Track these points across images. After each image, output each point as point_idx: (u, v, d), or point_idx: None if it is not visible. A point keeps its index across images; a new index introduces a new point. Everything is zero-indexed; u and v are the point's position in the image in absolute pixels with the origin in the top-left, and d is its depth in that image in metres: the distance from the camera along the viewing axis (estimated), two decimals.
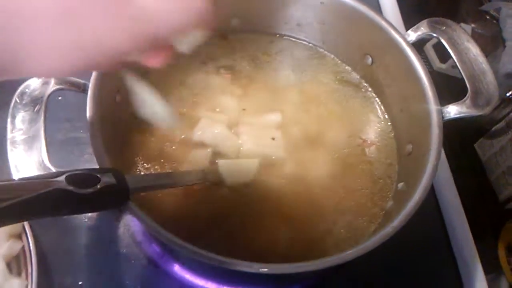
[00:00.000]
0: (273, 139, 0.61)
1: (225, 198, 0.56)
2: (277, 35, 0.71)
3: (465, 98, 0.55)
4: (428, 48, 0.94)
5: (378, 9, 0.92)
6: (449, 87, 0.68)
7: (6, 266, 0.53)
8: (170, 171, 0.58)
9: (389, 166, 0.61)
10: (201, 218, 0.55)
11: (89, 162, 0.46)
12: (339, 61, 0.70)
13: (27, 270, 0.54)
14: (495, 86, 0.55)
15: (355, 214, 0.57)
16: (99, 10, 0.31)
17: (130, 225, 0.63)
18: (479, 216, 0.78)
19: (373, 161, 0.62)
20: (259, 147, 0.60)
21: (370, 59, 0.65)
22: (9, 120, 0.47)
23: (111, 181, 0.40)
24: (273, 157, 0.60)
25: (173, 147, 0.59)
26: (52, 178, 0.37)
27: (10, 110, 0.48)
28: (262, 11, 0.67)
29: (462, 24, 0.95)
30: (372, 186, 0.59)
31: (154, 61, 0.38)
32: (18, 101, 0.48)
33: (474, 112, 0.54)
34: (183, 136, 0.60)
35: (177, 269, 0.60)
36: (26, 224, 0.55)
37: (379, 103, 0.66)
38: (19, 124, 0.47)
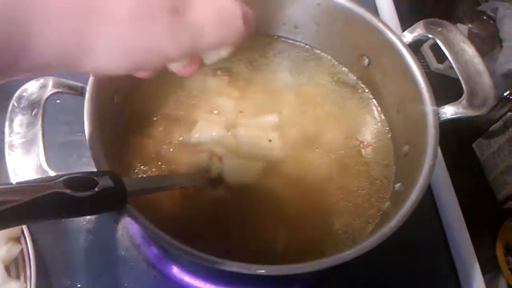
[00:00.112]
0: (270, 140, 0.61)
1: (222, 199, 0.56)
2: (275, 37, 0.71)
3: (461, 99, 0.55)
4: (425, 48, 0.95)
5: (374, 10, 0.92)
6: (447, 88, 0.68)
7: (5, 269, 0.53)
8: (167, 173, 0.58)
9: (386, 167, 0.61)
10: (199, 220, 0.55)
11: (88, 165, 0.46)
12: (336, 63, 0.70)
13: (25, 273, 0.54)
14: (491, 87, 0.55)
15: (352, 215, 0.57)
16: (165, 19, 0.33)
17: (129, 227, 0.63)
18: (477, 216, 0.78)
19: (370, 162, 0.62)
20: (257, 149, 0.60)
21: (367, 60, 0.65)
22: (7, 123, 0.47)
23: (109, 184, 0.40)
24: (270, 159, 0.60)
25: (171, 149, 0.59)
26: (49, 181, 0.37)
27: (8, 114, 0.48)
28: (259, 13, 0.66)
29: (459, 25, 0.95)
30: (369, 187, 0.60)
31: (185, 71, 0.42)
32: (16, 104, 0.48)
33: (470, 113, 0.54)
34: (180, 138, 0.60)
35: (175, 271, 0.60)
36: (24, 227, 0.55)
37: (376, 104, 0.66)
38: (17, 127, 0.47)
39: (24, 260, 0.54)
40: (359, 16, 0.62)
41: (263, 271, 0.44)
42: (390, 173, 0.61)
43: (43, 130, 0.48)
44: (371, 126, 0.65)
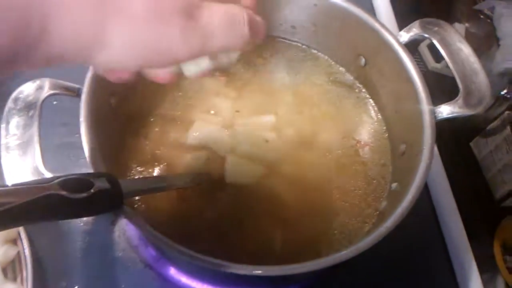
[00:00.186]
0: (267, 141, 0.61)
1: (219, 200, 0.56)
2: (272, 37, 0.71)
3: (457, 98, 0.55)
4: (423, 48, 0.95)
5: (371, 10, 0.92)
6: (444, 87, 0.68)
7: (2, 271, 0.53)
8: (164, 174, 0.58)
9: (383, 166, 0.61)
10: (196, 221, 0.55)
11: (85, 166, 0.46)
12: (332, 62, 0.70)
13: (22, 275, 0.54)
14: (487, 86, 0.55)
15: (349, 215, 0.57)
16: (178, 20, 0.34)
17: (126, 229, 0.63)
18: (474, 215, 0.78)
19: (367, 161, 0.62)
20: (254, 149, 0.60)
21: (364, 60, 0.65)
22: (3, 125, 0.47)
23: (105, 186, 0.40)
24: (267, 159, 0.60)
25: (168, 150, 0.59)
26: (45, 183, 0.37)
27: (4, 116, 0.48)
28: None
29: (456, 24, 0.95)
30: (366, 187, 0.60)
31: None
32: (12, 106, 0.48)
33: (466, 112, 0.54)
34: (177, 139, 0.60)
35: (173, 272, 0.60)
36: (21, 229, 0.55)
37: (373, 104, 0.67)
38: (13, 129, 0.47)
39: (21, 262, 0.54)
40: (355, 16, 0.62)
41: (259, 271, 0.44)
42: (387, 173, 0.61)
43: (39, 131, 0.48)
44: (368, 126, 0.65)
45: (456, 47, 0.58)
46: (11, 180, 0.45)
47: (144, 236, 0.57)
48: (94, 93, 0.51)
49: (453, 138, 0.90)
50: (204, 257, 0.43)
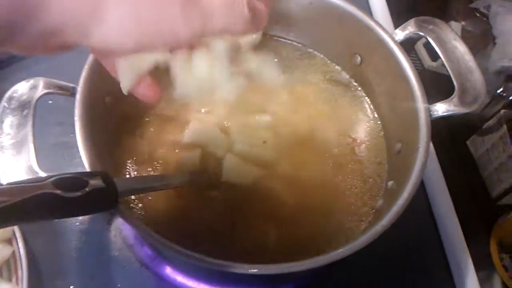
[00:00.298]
0: (264, 141, 0.61)
1: (215, 199, 0.56)
2: (267, 36, 0.71)
3: (452, 96, 0.55)
4: (419, 46, 0.95)
5: (367, 9, 0.92)
6: (440, 85, 0.68)
7: None
8: (160, 173, 0.58)
9: (379, 165, 0.61)
10: (192, 220, 0.55)
11: (80, 166, 0.46)
12: (328, 61, 0.70)
13: (17, 275, 0.54)
14: (482, 84, 0.55)
15: (345, 213, 0.58)
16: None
17: (122, 228, 0.63)
18: (471, 213, 0.78)
19: (363, 160, 0.62)
20: (250, 148, 0.60)
21: (359, 58, 0.65)
22: None
23: (100, 185, 0.40)
24: (263, 158, 0.60)
25: (164, 150, 0.59)
26: (39, 182, 0.37)
27: None
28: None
29: (452, 22, 0.95)
30: (362, 185, 0.60)
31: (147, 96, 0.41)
32: (6, 105, 0.48)
33: (461, 110, 0.54)
34: (173, 138, 0.60)
35: (169, 271, 0.60)
36: (16, 228, 0.55)
37: (369, 102, 0.67)
38: (7, 128, 0.47)
39: (16, 262, 0.54)
40: (351, 14, 0.62)
41: (255, 270, 0.44)
42: (383, 171, 0.61)
43: (33, 131, 0.48)
44: (364, 124, 0.65)
45: (451, 45, 0.58)
46: (5, 179, 0.45)
47: (140, 235, 0.57)
48: (89, 92, 0.51)
49: (450, 137, 0.90)
50: (200, 256, 0.43)
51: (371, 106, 0.66)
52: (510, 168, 0.78)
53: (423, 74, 0.59)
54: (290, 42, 0.71)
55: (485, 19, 0.94)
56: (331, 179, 0.60)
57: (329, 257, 0.46)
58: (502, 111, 0.82)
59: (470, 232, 0.71)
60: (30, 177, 0.45)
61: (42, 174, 0.45)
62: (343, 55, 0.68)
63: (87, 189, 0.39)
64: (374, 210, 0.58)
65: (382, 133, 0.64)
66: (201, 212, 0.55)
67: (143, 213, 0.55)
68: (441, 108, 0.55)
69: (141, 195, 0.55)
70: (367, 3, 0.93)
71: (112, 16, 0.31)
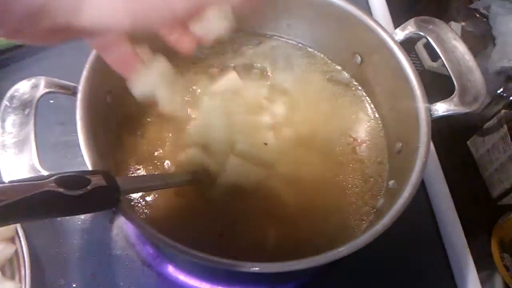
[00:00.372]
0: (265, 142, 0.61)
1: (216, 199, 0.56)
2: (267, 35, 0.71)
3: (452, 96, 0.55)
4: (419, 47, 0.95)
5: (367, 9, 0.92)
6: (440, 85, 0.68)
7: (0, 270, 0.53)
8: (162, 172, 0.58)
9: (380, 164, 0.62)
10: (193, 219, 0.55)
11: (82, 165, 0.46)
12: (329, 61, 0.70)
13: (20, 273, 0.54)
14: (482, 83, 0.55)
15: (346, 212, 0.58)
16: None
17: (124, 227, 0.63)
18: (471, 213, 0.78)
19: (364, 159, 0.62)
20: (252, 148, 0.60)
21: (359, 58, 0.65)
22: None
23: (101, 183, 0.41)
24: (265, 158, 0.60)
25: (165, 149, 0.59)
26: (42, 180, 0.37)
27: (0, 114, 0.48)
28: (251, 11, 0.68)
29: (452, 23, 0.95)
30: (363, 185, 0.60)
31: (181, 46, 0.42)
32: (8, 104, 0.48)
33: (461, 110, 0.54)
34: (174, 138, 0.60)
35: (170, 270, 0.60)
36: (19, 227, 0.55)
37: (369, 101, 0.67)
38: (9, 127, 0.47)
39: (18, 260, 0.54)
40: (351, 14, 0.62)
41: (256, 268, 0.44)
42: (384, 171, 0.61)
43: (35, 130, 0.48)
44: (364, 124, 0.65)
45: (451, 45, 0.58)
46: (7, 178, 0.45)
47: (142, 234, 0.57)
48: (91, 91, 0.52)
49: (450, 137, 0.90)
50: (202, 254, 0.43)
51: (372, 106, 0.66)
52: (511, 168, 0.78)
53: (423, 74, 0.59)
54: (290, 41, 0.71)
55: (485, 19, 0.94)
56: (332, 179, 0.60)
57: (330, 256, 0.46)
58: (503, 111, 0.82)
59: (471, 232, 0.71)
60: (32, 175, 0.45)
61: (44, 172, 0.45)
62: (343, 55, 0.68)
63: (89, 187, 0.39)
64: (375, 210, 0.58)
65: (383, 133, 0.64)
66: (202, 211, 0.56)
67: (144, 212, 0.55)
68: (441, 108, 0.55)
69: (143, 194, 0.55)
70: (367, 3, 0.93)
71: (102, 6, 0.31)
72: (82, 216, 0.63)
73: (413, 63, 0.58)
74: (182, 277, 0.60)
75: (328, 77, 0.69)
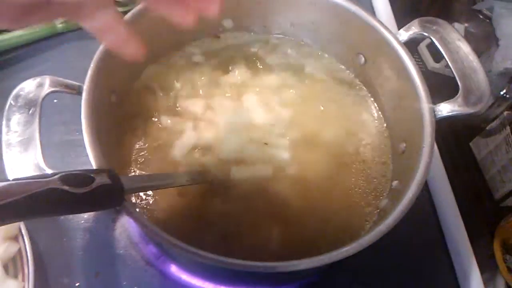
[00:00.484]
0: (266, 144, 0.61)
1: (220, 199, 0.56)
2: (271, 35, 0.71)
3: (457, 96, 0.55)
4: (422, 48, 0.95)
5: (370, 9, 0.92)
6: (443, 87, 0.68)
7: (3, 268, 0.53)
8: (165, 172, 0.58)
9: (383, 164, 0.61)
10: (196, 219, 0.55)
11: (85, 164, 0.46)
12: (333, 60, 0.70)
13: (23, 271, 0.54)
14: (487, 84, 0.55)
15: (349, 213, 0.57)
16: None
17: (127, 226, 0.63)
18: (474, 215, 0.78)
19: (368, 160, 0.62)
20: (255, 148, 0.60)
21: (363, 58, 0.65)
22: (4, 122, 0.47)
23: (106, 181, 0.41)
24: (269, 158, 0.60)
25: (168, 149, 0.59)
26: (46, 178, 0.37)
27: (5, 113, 0.48)
28: (255, 11, 0.68)
29: (455, 24, 0.95)
30: (366, 185, 0.60)
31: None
32: (13, 103, 0.48)
33: (466, 110, 0.54)
34: (178, 138, 0.60)
35: (174, 269, 0.60)
36: (22, 226, 0.55)
37: (373, 102, 0.67)
38: (14, 126, 0.48)
39: (22, 259, 0.54)
40: (354, 14, 0.62)
41: (260, 267, 0.44)
42: (388, 171, 0.61)
43: (40, 129, 0.48)
44: (368, 124, 0.65)
45: (455, 45, 0.58)
46: (12, 176, 0.45)
47: (145, 233, 0.57)
48: (95, 90, 0.52)
49: (453, 138, 0.90)
50: (205, 253, 0.43)
51: (376, 106, 0.66)
52: None
53: (426, 75, 0.59)
54: (294, 41, 0.71)
55: (488, 21, 0.94)
56: (336, 179, 0.60)
57: (333, 256, 0.46)
58: (506, 112, 0.82)
59: (474, 233, 0.71)
60: (37, 173, 0.45)
61: (49, 171, 0.45)
62: (347, 55, 0.68)
63: (93, 185, 0.40)
64: (378, 210, 0.57)
65: (387, 133, 0.64)
66: (206, 211, 0.56)
67: (147, 212, 0.55)
68: (445, 108, 0.55)
69: (146, 194, 0.55)
70: (371, 4, 0.93)
71: None
72: (85, 215, 0.63)
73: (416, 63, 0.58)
74: (185, 276, 0.60)
75: (332, 77, 0.68)
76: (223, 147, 0.60)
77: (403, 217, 0.48)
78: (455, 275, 0.67)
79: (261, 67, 0.68)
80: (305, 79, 0.68)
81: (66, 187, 0.37)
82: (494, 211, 0.82)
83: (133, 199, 0.55)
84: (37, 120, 0.48)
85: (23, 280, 0.53)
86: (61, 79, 0.51)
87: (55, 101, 0.68)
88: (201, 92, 0.64)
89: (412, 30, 0.60)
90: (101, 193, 0.40)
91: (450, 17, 0.97)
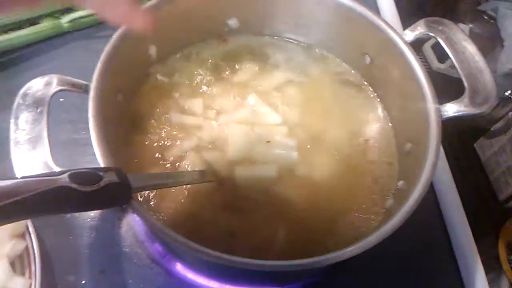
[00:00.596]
0: (268, 141, 0.61)
1: (225, 197, 0.57)
2: (276, 36, 0.71)
3: (463, 97, 0.55)
4: (427, 48, 0.95)
5: (376, 9, 0.92)
6: (448, 87, 0.68)
7: (10, 266, 0.54)
8: (171, 171, 0.58)
9: (389, 165, 0.61)
10: (201, 217, 0.55)
11: (92, 163, 0.46)
12: (338, 61, 0.70)
13: (30, 269, 0.54)
14: (493, 85, 0.55)
15: (355, 213, 0.58)
16: None
17: (132, 224, 0.63)
18: (479, 216, 0.78)
19: (374, 160, 0.62)
20: (263, 149, 0.60)
21: (369, 58, 0.65)
22: (12, 120, 0.48)
23: (114, 179, 0.41)
24: (276, 159, 0.60)
25: (174, 149, 0.59)
26: (55, 176, 0.38)
27: (13, 111, 0.48)
28: (260, 12, 0.68)
29: (460, 25, 0.95)
30: (372, 186, 0.60)
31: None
32: (21, 102, 0.49)
33: (472, 111, 0.54)
34: (184, 138, 0.60)
35: (179, 268, 0.60)
36: (29, 223, 0.55)
37: (379, 102, 0.67)
38: (22, 124, 0.48)
39: (29, 257, 0.55)
40: (360, 14, 0.62)
41: (264, 266, 0.44)
42: (394, 171, 0.61)
43: (48, 127, 0.48)
44: (374, 124, 0.65)
45: (461, 46, 0.58)
46: (20, 174, 0.45)
47: (151, 231, 0.58)
48: (102, 89, 0.52)
49: (457, 140, 0.90)
50: (211, 251, 0.44)
51: (382, 106, 0.66)
52: None
53: (431, 76, 0.59)
54: (299, 42, 0.71)
55: (492, 21, 0.94)
56: (342, 179, 0.60)
57: (339, 255, 0.46)
58: (510, 113, 0.82)
59: (478, 234, 0.71)
60: (45, 172, 0.46)
61: (57, 169, 0.46)
62: (352, 55, 0.68)
63: (101, 183, 0.40)
64: (384, 210, 0.58)
65: (393, 133, 0.64)
66: (212, 210, 0.56)
67: (153, 210, 0.55)
68: (451, 109, 0.55)
69: (153, 192, 0.56)
70: (376, 4, 0.93)
71: None
72: (92, 214, 0.63)
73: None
74: (191, 275, 0.60)
75: (337, 77, 0.69)
76: (229, 146, 0.60)
77: (409, 217, 0.48)
78: (460, 276, 0.67)
79: (267, 67, 0.68)
80: (310, 79, 0.68)
81: (75, 185, 0.37)
82: (499, 213, 0.82)
83: (140, 198, 0.55)
84: (45, 118, 0.48)
85: (30, 277, 0.54)
86: (68, 77, 0.52)
87: (61, 99, 0.68)
88: (207, 92, 0.65)
89: (418, 30, 0.60)
90: (109, 191, 0.40)
91: (454, 18, 0.97)
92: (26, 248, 0.55)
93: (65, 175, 0.38)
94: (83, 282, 0.59)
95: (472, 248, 0.68)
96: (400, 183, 0.58)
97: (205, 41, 0.69)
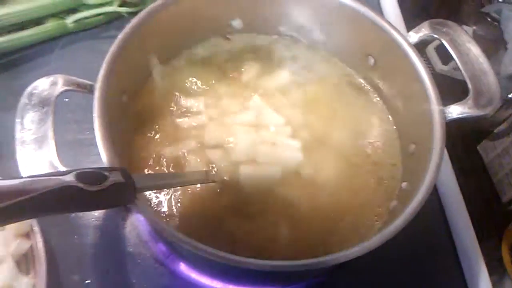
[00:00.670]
0: (274, 143, 0.61)
1: (229, 197, 0.57)
2: (279, 37, 0.71)
3: (467, 98, 0.55)
4: (430, 50, 0.95)
5: (379, 11, 0.92)
6: (451, 89, 0.68)
7: (15, 265, 0.54)
8: (175, 171, 0.58)
9: (393, 166, 0.61)
10: (205, 217, 0.55)
11: (96, 163, 0.47)
12: (341, 63, 0.70)
13: (35, 268, 0.54)
14: (497, 86, 0.55)
15: (359, 214, 0.58)
16: None
17: (137, 224, 0.63)
18: (482, 218, 0.78)
19: (378, 161, 0.62)
20: (266, 151, 0.60)
21: (373, 60, 0.65)
22: (18, 120, 0.48)
23: (119, 179, 0.41)
24: (279, 160, 0.60)
25: (178, 150, 0.59)
26: (62, 175, 0.38)
27: (19, 111, 0.48)
28: (264, 12, 0.68)
29: (464, 27, 0.95)
30: (376, 187, 0.60)
31: None
32: (27, 101, 0.49)
33: (476, 112, 0.54)
34: (188, 139, 0.60)
35: (183, 268, 0.60)
36: (34, 223, 0.56)
37: (383, 104, 0.66)
38: (28, 124, 0.48)
39: (34, 256, 0.55)
40: (363, 16, 0.62)
41: (268, 266, 0.44)
42: (398, 173, 0.61)
43: (53, 127, 0.49)
44: (378, 126, 0.65)
45: (465, 47, 0.58)
46: (26, 173, 0.45)
47: (155, 230, 0.58)
48: (107, 90, 0.52)
49: (461, 142, 0.90)
50: (215, 251, 0.44)
51: (385, 108, 0.66)
52: None
53: (434, 78, 0.59)
54: (303, 43, 0.71)
55: (496, 23, 0.94)
56: (346, 180, 0.60)
57: (342, 256, 0.46)
58: None
59: (481, 236, 0.71)
60: (51, 171, 0.46)
61: (63, 169, 0.46)
62: (356, 57, 0.68)
63: (107, 183, 0.40)
64: (388, 211, 0.57)
65: (396, 135, 0.64)
66: (216, 210, 0.56)
67: (157, 210, 0.55)
68: (455, 110, 0.55)
69: (157, 193, 0.56)
70: (379, 5, 0.93)
71: None
72: (96, 213, 0.63)
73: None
74: (194, 275, 0.60)
75: (341, 78, 0.68)
76: (234, 147, 0.60)
77: (412, 219, 0.48)
78: (463, 277, 0.67)
79: (271, 68, 0.68)
80: (314, 80, 0.68)
81: (81, 185, 0.37)
82: (502, 215, 0.82)
83: (144, 198, 0.55)
84: (50, 118, 0.49)
85: (34, 277, 0.54)
86: (73, 78, 0.52)
87: (66, 100, 0.69)
88: (211, 92, 0.65)
89: (422, 32, 0.60)
90: (114, 191, 0.41)
91: (458, 20, 0.97)
92: (31, 247, 0.55)
93: (71, 174, 0.38)
94: (88, 281, 0.59)
95: (476, 250, 0.68)
96: (404, 184, 0.58)
97: (209, 42, 0.69)
